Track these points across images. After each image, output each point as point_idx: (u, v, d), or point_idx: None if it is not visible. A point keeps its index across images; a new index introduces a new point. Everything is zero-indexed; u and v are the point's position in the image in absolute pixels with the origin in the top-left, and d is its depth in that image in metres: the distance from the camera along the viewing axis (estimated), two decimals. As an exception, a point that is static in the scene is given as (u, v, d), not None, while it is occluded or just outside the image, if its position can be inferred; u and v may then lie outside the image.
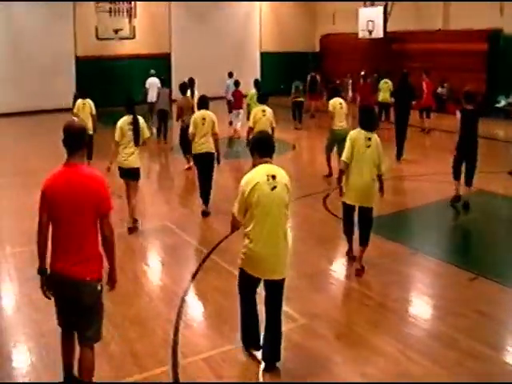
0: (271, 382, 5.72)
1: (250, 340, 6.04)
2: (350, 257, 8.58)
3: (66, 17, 26.23)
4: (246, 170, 5.70)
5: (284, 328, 6.60)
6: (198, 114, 10.91)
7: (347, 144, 8.02)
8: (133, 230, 10.02)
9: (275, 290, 5.80)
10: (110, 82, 26.06)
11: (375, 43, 28.65)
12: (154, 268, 8.98)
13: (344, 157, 8.04)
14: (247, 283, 5.85)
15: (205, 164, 10.88)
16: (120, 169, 9.97)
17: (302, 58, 31.85)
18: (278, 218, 5.60)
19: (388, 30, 27.67)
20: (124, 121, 9.81)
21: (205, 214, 10.83)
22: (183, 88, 14.22)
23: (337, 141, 12.95)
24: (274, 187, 5.53)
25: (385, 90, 21.02)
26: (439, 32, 26.13)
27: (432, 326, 6.84)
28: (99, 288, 5.02)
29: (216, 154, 10.84)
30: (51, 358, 5.33)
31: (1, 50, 25.02)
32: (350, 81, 27.03)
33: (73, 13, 26.52)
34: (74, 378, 5.21)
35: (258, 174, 5.56)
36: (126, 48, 28.04)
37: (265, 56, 32.81)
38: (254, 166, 5.70)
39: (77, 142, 4.89)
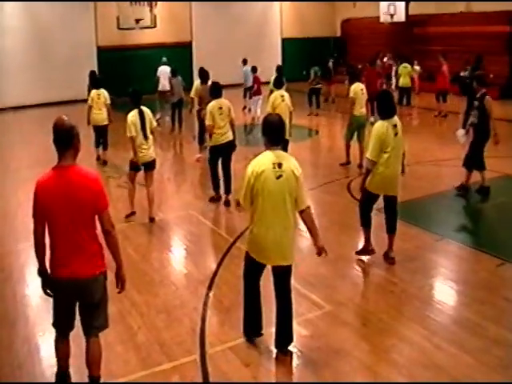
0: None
1: (251, 328, 6.12)
2: (370, 250, 8.17)
3: (87, 7, 26.34)
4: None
5: (310, 315, 6.70)
6: (214, 103, 10.64)
7: (374, 141, 7.60)
8: (154, 219, 10.13)
9: (281, 275, 5.83)
10: (131, 71, 26.20)
11: (397, 27, 28.45)
12: (179, 257, 9.04)
13: (372, 156, 7.62)
14: (252, 267, 5.89)
15: (226, 153, 10.84)
16: (136, 163, 9.87)
17: (323, 43, 31.71)
18: (283, 207, 5.55)
19: (409, 13, 27.42)
20: (134, 115, 9.68)
21: (228, 203, 10.83)
22: (203, 75, 14.09)
23: (358, 127, 13.00)
24: (280, 176, 5.46)
25: (404, 75, 20.85)
26: (461, 14, 25.85)
27: (458, 313, 6.80)
28: (104, 279, 5.08)
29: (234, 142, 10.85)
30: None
31: (22, 40, 25.18)
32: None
33: (93, 3, 26.60)
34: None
35: (264, 161, 5.50)
36: (148, 37, 28.13)
37: (286, 42, 32.70)
38: (266, 149, 5.64)
39: (67, 141, 4.76)
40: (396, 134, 7.63)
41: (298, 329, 6.31)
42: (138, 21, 27.31)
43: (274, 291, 5.92)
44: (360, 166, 12.82)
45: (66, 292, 4.94)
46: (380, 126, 7.65)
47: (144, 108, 9.80)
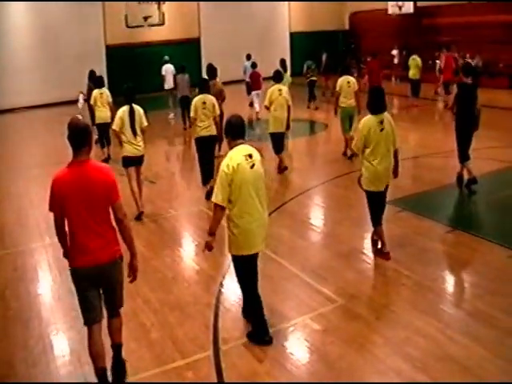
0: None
1: (264, 332, 6.12)
2: (386, 253, 8.05)
3: (95, 5, 26.36)
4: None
5: (322, 309, 6.70)
6: (198, 98, 11.03)
7: (358, 134, 7.85)
8: (142, 214, 10.19)
9: (255, 261, 6.18)
10: (140, 69, 26.23)
11: (405, 19, 28.39)
12: (190, 253, 9.06)
13: (356, 148, 7.99)
14: (248, 267, 6.13)
15: (207, 147, 11.15)
16: (128, 158, 10.00)
17: (331, 36, 31.62)
18: (260, 192, 5.95)
19: (417, 4, 27.34)
20: (123, 111, 9.83)
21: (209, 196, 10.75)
22: (210, 72, 14.07)
23: (346, 117, 13.41)
24: (253, 165, 5.85)
25: (413, 67, 20.81)
26: (469, 5, 25.69)
27: (471, 305, 6.77)
28: (121, 261, 5.35)
29: (218, 137, 11.09)
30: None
31: (30, 40, 25.34)
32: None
33: (102, 1, 26.62)
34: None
35: (237, 156, 5.81)
36: (156, 34, 28.20)
37: (295, 36, 32.63)
38: (231, 148, 5.95)
39: (83, 139, 5.06)
40: (382, 130, 7.68)
41: (310, 323, 6.35)
42: (146, 18, 27.41)
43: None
44: (344, 153, 13.63)
45: (91, 279, 5.14)
46: (365, 120, 7.81)
47: (136, 106, 9.92)
